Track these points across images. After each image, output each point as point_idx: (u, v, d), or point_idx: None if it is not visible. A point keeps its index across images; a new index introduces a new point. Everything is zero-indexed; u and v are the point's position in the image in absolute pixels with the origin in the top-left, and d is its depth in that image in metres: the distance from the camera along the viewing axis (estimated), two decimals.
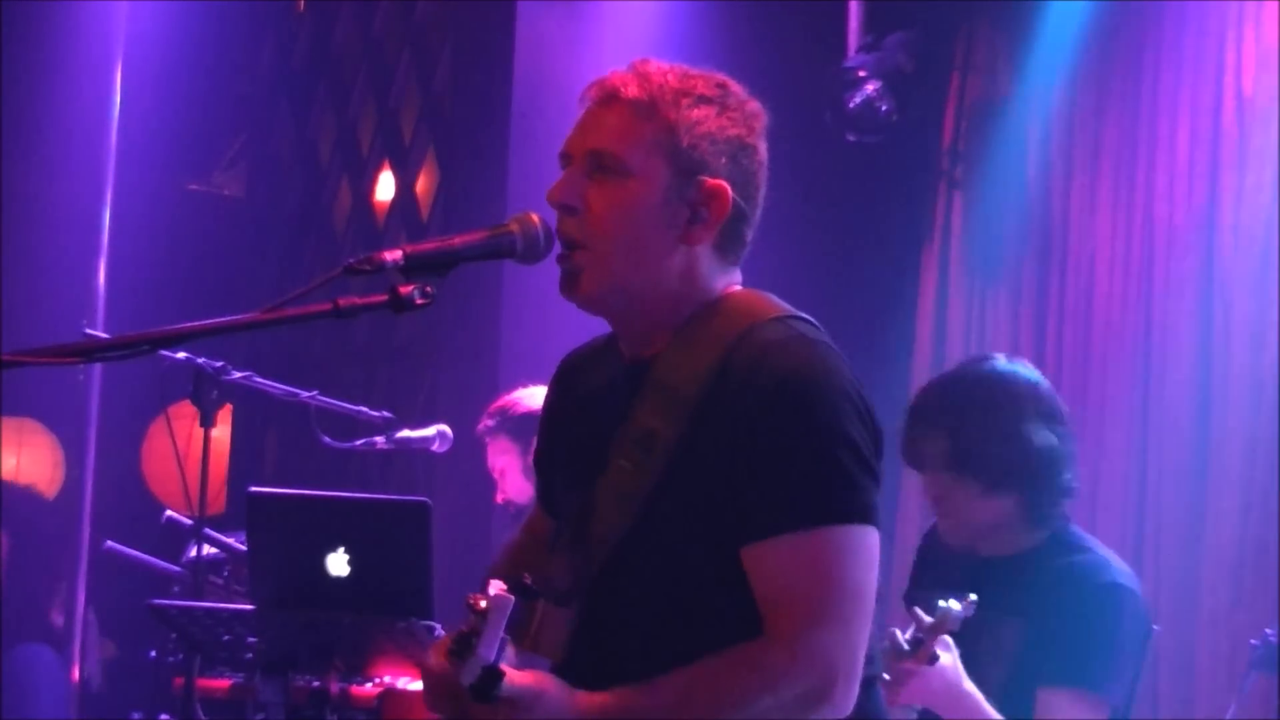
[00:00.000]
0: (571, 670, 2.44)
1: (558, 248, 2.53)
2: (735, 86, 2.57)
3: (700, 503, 2.42)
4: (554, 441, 2.70)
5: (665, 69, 2.53)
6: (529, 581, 2.37)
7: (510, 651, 2.40)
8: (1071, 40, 6.52)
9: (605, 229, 2.48)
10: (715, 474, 2.41)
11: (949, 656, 3.60)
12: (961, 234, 6.84)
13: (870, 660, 2.50)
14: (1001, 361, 3.85)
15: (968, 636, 3.65)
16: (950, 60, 6.84)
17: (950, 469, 3.76)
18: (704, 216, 2.50)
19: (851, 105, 6.61)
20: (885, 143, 6.75)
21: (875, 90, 6.60)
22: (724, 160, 2.50)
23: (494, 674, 2.29)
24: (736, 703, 2.35)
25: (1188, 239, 6.14)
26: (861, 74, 6.63)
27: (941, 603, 3.61)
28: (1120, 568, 3.81)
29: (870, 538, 2.42)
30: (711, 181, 2.49)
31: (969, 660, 3.67)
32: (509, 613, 2.30)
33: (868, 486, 2.42)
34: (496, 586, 2.31)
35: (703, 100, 2.51)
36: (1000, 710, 3.68)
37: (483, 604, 2.30)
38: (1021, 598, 3.76)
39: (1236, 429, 5.93)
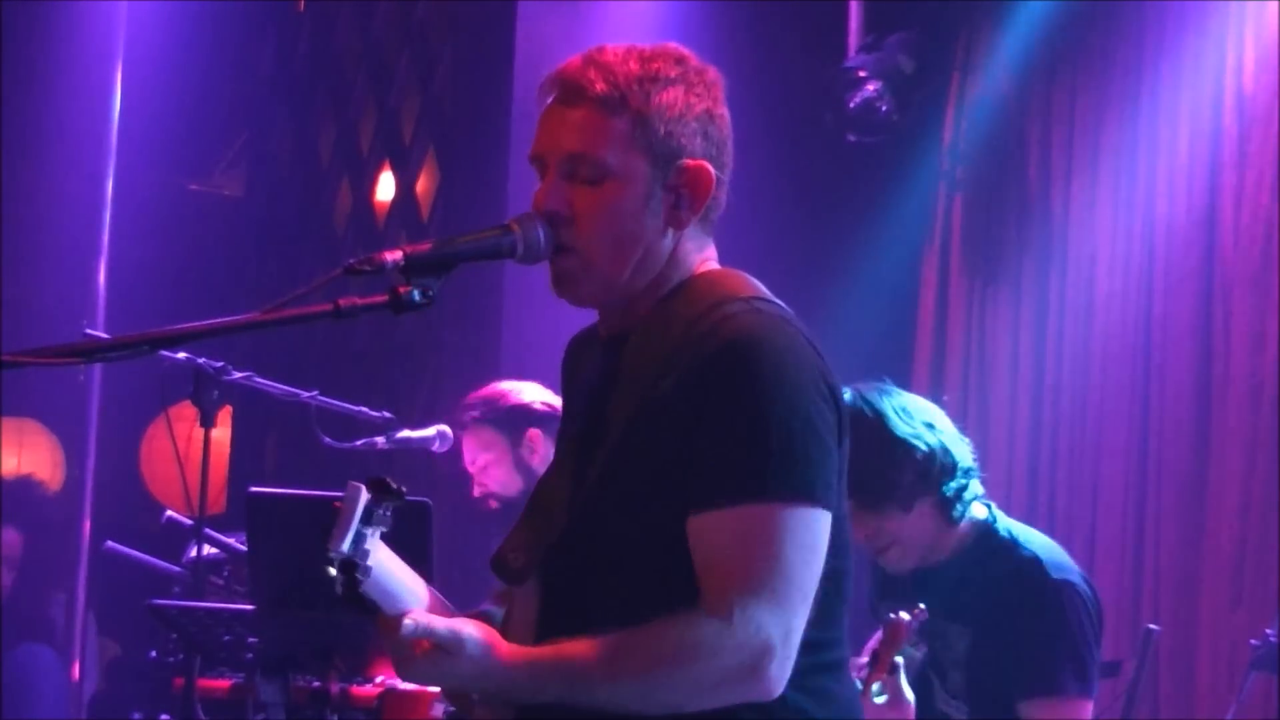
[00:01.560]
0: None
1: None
2: (691, 57, 2.55)
3: (651, 477, 2.40)
4: (561, 424, 2.72)
5: (624, 55, 2.52)
6: (391, 482, 2.33)
7: (392, 562, 2.35)
8: (1072, 40, 6.53)
9: (595, 233, 2.48)
10: (666, 448, 2.39)
11: (882, 698, 3.64)
12: (962, 234, 6.84)
13: (839, 644, 2.49)
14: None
15: (925, 641, 3.73)
16: (950, 60, 6.84)
17: (871, 509, 3.81)
18: (688, 199, 2.51)
19: (852, 105, 6.60)
20: (885, 143, 6.75)
21: (875, 90, 6.59)
22: (699, 139, 2.51)
23: (348, 564, 2.25)
24: (667, 666, 2.33)
25: (1188, 239, 6.14)
26: (862, 74, 6.62)
27: (891, 615, 3.68)
28: (1057, 561, 3.87)
29: (815, 519, 2.38)
30: (692, 163, 2.50)
31: (931, 662, 3.75)
32: (361, 504, 2.26)
33: (820, 464, 2.39)
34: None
35: (668, 82, 2.50)
36: (969, 711, 3.76)
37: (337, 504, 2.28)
38: (962, 604, 3.85)
39: (1236, 429, 5.93)
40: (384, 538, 2.34)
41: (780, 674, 2.35)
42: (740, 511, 2.36)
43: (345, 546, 2.25)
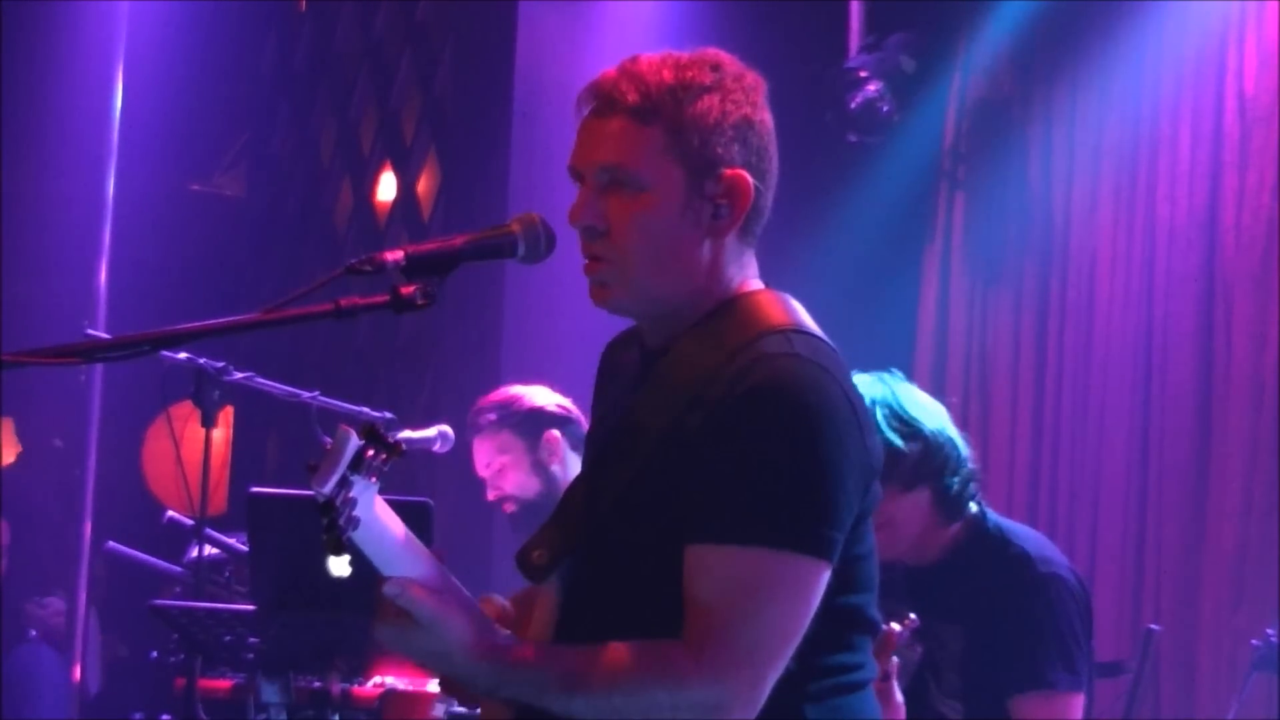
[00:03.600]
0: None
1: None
2: (729, 63, 2.51)
3: (667, 501, 2.39)
4: (591, 426, 2.72)
5: (657, 64, 2.48)
6: (387, 434, 2.30)
7: (393, 523, 2.33)
8: (1072, 40, 6.53)
9: (629, 245, 2.46)
10: (683, 479, 2.38)
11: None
12: (963, 234, 6.84)
13: (861, 667, 2.49)
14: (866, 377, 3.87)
15: (920, 643, 3.73)
16: (950, 60, 6.85)
17: None
18: (727, 209, 2.47)
19: (853, 105, 6.61)
20: (886, 143, 6.75)
21: (876, 90, 6.60)
22: (736, 147, 2.47)
23: (328, 507, 2.21)
24: (632, 688, 2.33)
25: (1188, 239, 6.15)
26: (863, 74, 6.63)
27: (882, 626, 3.68)
28: (1044, 555, 3.88)
29: (809, 571, 2.35)
30: (730, 173, 2.46)
31: (927, 664, 3.75)
32: (350, 448, 2.23)
33: (824, 517, 2.36)
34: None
35: (703, 90, 2.46)
36: (965, 712, 3.76)
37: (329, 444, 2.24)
38: (955, 602, 3.85)
39: (1237, 429, 5.94)
40: None
41: (744, 715, 2.34)
42: (735, 551, 2.34)
43: (328, 488, 2.22)
